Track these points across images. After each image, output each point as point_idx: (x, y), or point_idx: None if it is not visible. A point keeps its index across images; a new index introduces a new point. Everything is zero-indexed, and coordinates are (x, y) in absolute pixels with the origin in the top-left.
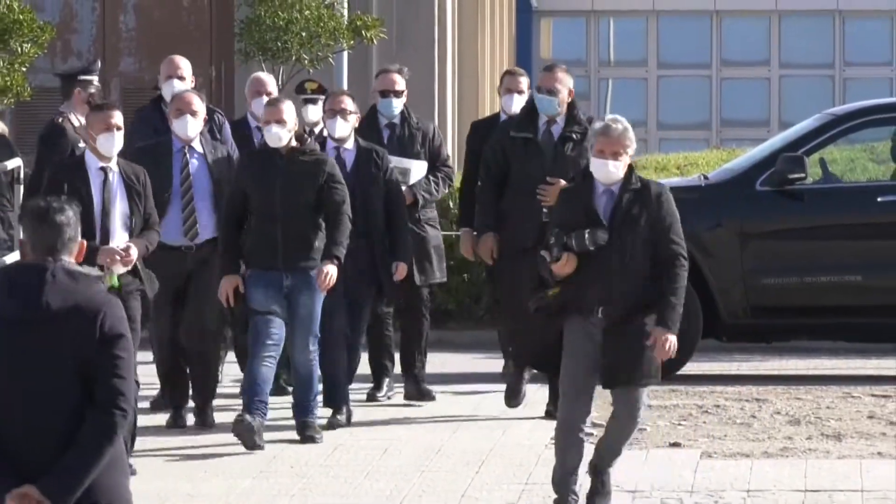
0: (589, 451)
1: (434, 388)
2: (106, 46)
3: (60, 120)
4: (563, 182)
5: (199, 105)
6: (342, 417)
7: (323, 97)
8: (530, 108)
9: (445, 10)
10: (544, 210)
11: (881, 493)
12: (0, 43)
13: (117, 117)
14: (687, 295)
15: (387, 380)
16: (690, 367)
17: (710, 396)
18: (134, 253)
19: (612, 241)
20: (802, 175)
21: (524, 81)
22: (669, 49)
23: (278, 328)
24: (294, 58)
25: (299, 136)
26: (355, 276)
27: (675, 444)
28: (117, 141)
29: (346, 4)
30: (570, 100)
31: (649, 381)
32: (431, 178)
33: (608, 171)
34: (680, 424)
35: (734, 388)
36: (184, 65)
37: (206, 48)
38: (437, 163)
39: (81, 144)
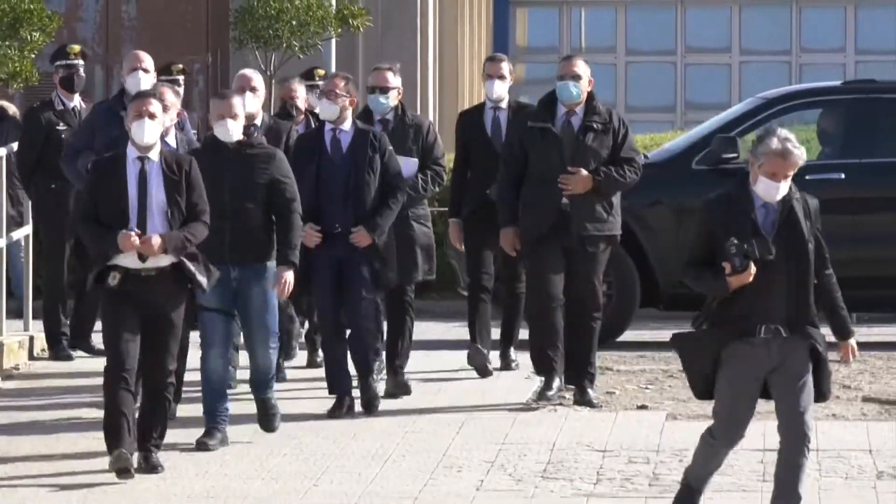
0: None
1: (416, 353)
2: (109, 35)
3: (37, 104)
4: (584, 171)
5: (172, 98)
6: (344, 407)
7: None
8: (549, 99)
9: (427, 2)
10: (564, 200)
11: (835, 452)
12: (11, 31)
13: (153, 105)
14: (625, 266)
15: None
16: (657, 335)
17: (675, 362)
18: (153, 242)
19: (776, 256)
20: (735, 155)
21: (505, 67)
22: (637, 37)
23: (225, 325)
24: (285, 45)
25: (245, 130)
26: (348, 261)
27: (643, 407)
28: (148, 128)
29: None
30: (590, 88)
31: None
32: (421, 175)
33: (777, 192)
34: (647, 388)
35: None
36: (146, 58)
37: (202, 36)
38: (428, 160)
39: (61, 126)
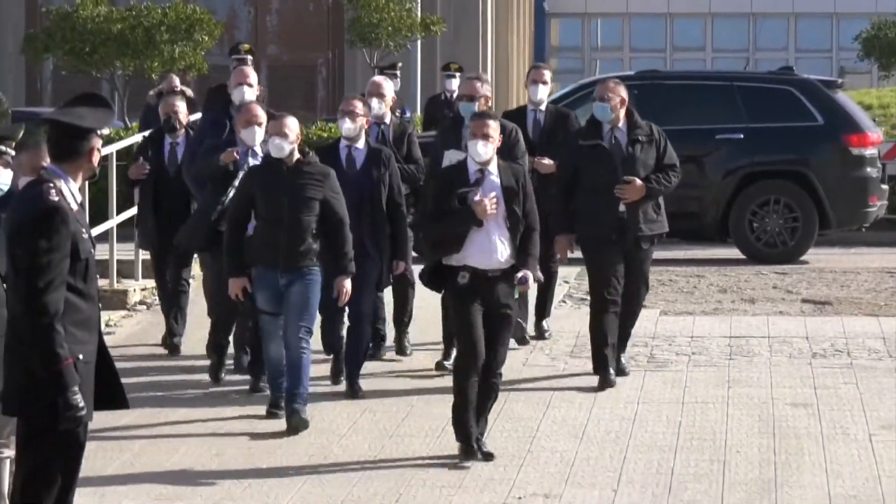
0: None
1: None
2: (258, 38)
3: (216, 86)
4: (638, 181)
5: (264, 116)
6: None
7: (460, 73)
8: (593, 119)
9: (487, 13)
10: (621, 208)
11: (781, 338)
12: (187, 35)
13: (490, 128)
14: None
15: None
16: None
17: (666, 273)
18: (487, 202)
19: None
20: None
21: (547, 74)
22: (638, 39)
23: (279, 323)
24: (383, 45)
25: (302, 150)
26: (358, 263)
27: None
28: (482, 149)
29: (419, 8)
30: (623, 108)
31: None
32: None
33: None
34: None
35: (682, 268)
36: (251, 74)
37: (324, 39)
38: (510, 158)
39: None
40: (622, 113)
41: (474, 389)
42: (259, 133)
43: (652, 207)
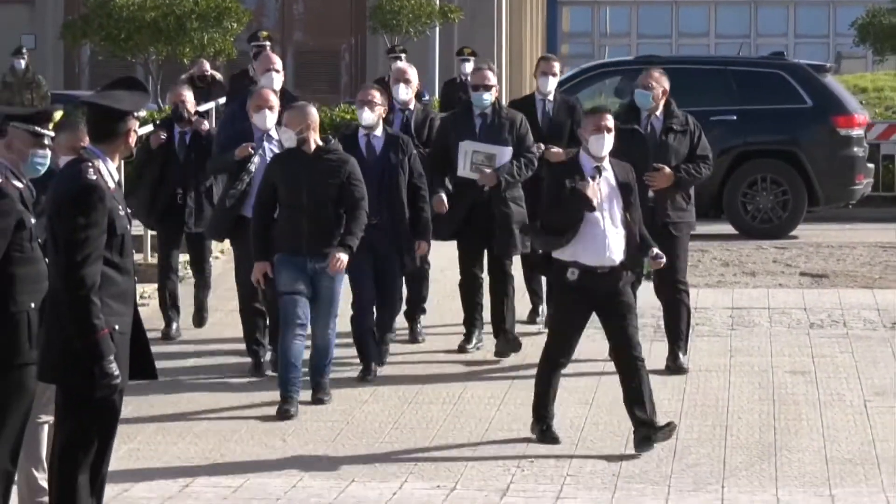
0: None
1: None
2: (284, 26)
3: (238, 71)
4: (667, 169)
5: (275, 100)
6: (372, 373)
7: (475, 57)
8: (631, 105)
9: (502, 1)
10: (650, 194)
11: (781, 309)
12: (216, 22)
13: (608, 120)
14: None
15: (476, 332)
16: None
17: None
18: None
19: None
20: None
21: (556, 65)
22: (645, 26)
23: (304, 307)
24: (404, 31)
25: (324, 137)
26: (381, 248)
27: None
28: (268, 119)
29: None
30: (664, 98)
31: None
32: (515, 162)
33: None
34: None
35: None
36: (277, 60)
37: (347, 25)
38: (521, 149)
39: (253, 88)
40: (662, 103)
41: (557, 380)
42: (270, 117)
43: (681, 196)
